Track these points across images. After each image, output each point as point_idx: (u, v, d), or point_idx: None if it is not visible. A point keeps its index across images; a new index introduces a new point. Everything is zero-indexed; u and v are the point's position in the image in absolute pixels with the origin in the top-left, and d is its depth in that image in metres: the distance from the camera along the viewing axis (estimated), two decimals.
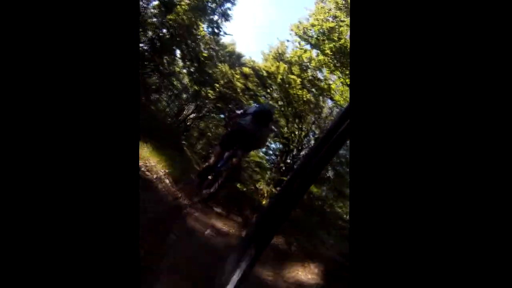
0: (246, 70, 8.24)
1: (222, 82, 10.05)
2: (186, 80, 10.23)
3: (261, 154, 10.91)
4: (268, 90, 7.78)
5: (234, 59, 12.34)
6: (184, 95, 11.83)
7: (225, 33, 7.81)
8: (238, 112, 3.18)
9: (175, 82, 9.94)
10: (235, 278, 0.51)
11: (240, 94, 8.67)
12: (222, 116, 14.30)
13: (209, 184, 2.97)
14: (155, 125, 6.71)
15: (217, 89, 10.18)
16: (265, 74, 7.32)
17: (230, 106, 10.41)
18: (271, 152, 10.04)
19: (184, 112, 12.71)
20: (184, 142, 9.90)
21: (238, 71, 9.14)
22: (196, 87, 9.62)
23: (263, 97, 8.30)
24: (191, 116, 13.10)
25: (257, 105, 3.41)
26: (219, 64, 10.28)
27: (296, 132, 7.79)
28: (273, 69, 7.02)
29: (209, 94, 10.37)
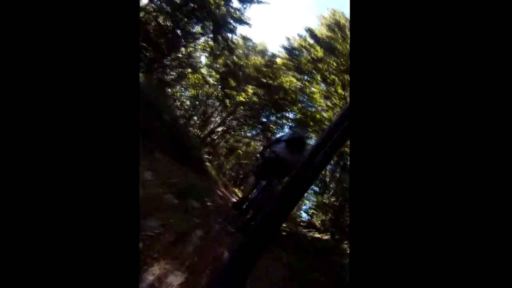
0: (301, 41, 5.75)
1: (257, 75, 7.71)
2: (210, 77, 8.03)
3: None
4: (328, 67, 5.23)
5: (269, 58, 10.08)
6: (209, 98, 9.54)
7: (258, 0, 5.60)
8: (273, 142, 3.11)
9: (196, 77, 7.76)
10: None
11: (285, 85, 6.20)
12: (254, 132, 12.04)
13: (243, 213, 2.94)
14: (170, 135, 4.62)
15: (252, 89, 7.90)
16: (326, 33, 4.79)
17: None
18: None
19: (211, 126, 10.53)
20: (208, 157, 7.49)
21: (280, 60, 6.75)
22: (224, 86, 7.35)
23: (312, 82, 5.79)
24: (219, 129, 10.93)
25: (290, 131, 3.20)
26: (252, 58, 8.00)
27: None
28: (343, 20, 4.54)
29: (240, 97, 8.10)
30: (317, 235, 4.20)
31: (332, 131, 0.64)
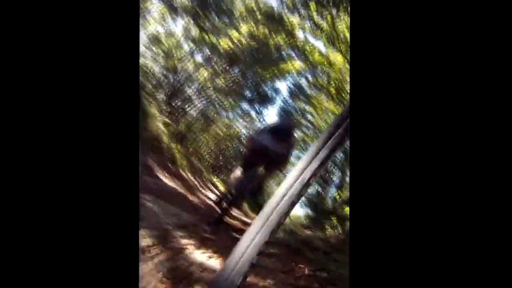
0: None
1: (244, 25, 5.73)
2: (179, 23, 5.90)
3: None
4: None
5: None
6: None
7: None
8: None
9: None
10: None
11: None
12: (238, 112, 9.99)
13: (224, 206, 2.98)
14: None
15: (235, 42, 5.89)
16: None
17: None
18: None
19: (183, 95, 8.38)
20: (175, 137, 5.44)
21: None
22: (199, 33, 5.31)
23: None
24: (194, 106, 8.82)
25: (276, 121, 3.29)
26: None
27: None
28: None
29: (220, 46, 6.06)
30: None
31: (331, 131, 0.62)
